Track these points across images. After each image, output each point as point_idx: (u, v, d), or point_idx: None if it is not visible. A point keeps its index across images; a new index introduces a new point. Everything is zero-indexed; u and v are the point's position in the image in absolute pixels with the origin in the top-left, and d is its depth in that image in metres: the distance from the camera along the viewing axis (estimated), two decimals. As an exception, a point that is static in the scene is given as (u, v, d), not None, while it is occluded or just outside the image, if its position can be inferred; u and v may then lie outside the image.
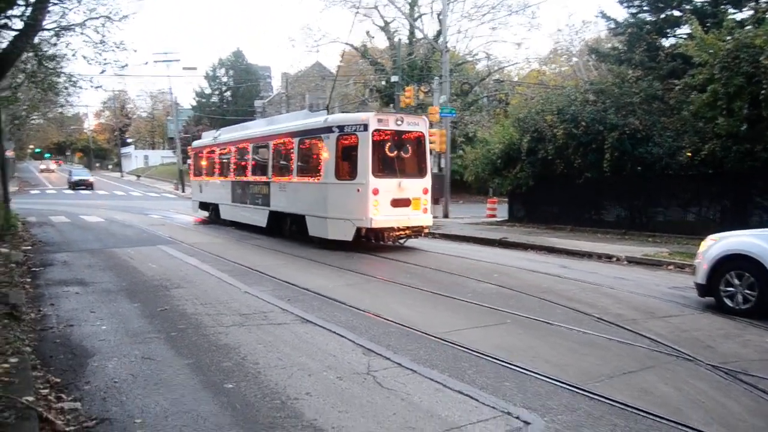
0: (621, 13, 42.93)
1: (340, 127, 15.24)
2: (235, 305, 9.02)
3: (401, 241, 16.12)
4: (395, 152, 15.25)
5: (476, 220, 26.36)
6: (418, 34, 50.23)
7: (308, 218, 16.26)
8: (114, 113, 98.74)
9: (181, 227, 22.30)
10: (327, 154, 15.42)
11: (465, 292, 10.11)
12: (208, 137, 25.53)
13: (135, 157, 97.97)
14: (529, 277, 11.88)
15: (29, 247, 15.63)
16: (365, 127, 14.68)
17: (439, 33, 47.46)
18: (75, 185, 56.90)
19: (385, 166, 15.09)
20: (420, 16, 50.33)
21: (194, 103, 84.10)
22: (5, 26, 19.12)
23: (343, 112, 53.24)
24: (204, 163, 24.83)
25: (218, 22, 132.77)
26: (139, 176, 79.76)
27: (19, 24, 18.74)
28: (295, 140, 17.01)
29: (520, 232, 20.68)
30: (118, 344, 7.01)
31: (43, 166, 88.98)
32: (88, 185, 56.91)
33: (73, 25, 20.25)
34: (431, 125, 22.60)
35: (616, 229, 20.44)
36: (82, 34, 19.97)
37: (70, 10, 19.39)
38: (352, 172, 15.02)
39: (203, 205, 25.17)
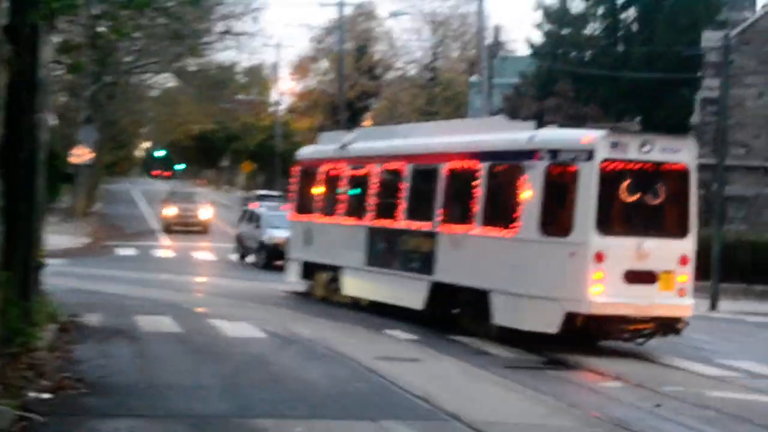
0: None
1: (553, 152, 11.31)
2: None
3: (639, 340, 11.49)
4: (637, 195, 11.30)
5: None
6: None
7: (494, 295, 11.59)
8: (335, 64, 44.21)
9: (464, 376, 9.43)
10: (530, 192, 11.46)
11: None
12: (328, 143, 17.07)
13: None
14: None
15: (46, 396, 6.82)
16: (589, 154, 10.88)
17: None
18: (266, 252, 24.32)
19: (618, 218, 11.46)
20: None
21: (538, 41, 36.78)
22: None
23: None
24: (317, 190, 16.43)
25: None
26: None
27: None
28: (484, 166, 12.26)
29: None
30: None
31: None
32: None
33: None
34: None
35: None
36: None
37: None
38: (563, 225, 11.15)
39: (308, 269, 16.18)
